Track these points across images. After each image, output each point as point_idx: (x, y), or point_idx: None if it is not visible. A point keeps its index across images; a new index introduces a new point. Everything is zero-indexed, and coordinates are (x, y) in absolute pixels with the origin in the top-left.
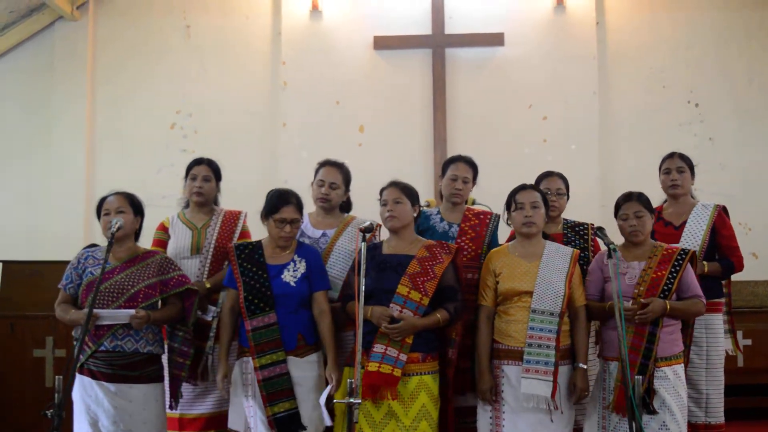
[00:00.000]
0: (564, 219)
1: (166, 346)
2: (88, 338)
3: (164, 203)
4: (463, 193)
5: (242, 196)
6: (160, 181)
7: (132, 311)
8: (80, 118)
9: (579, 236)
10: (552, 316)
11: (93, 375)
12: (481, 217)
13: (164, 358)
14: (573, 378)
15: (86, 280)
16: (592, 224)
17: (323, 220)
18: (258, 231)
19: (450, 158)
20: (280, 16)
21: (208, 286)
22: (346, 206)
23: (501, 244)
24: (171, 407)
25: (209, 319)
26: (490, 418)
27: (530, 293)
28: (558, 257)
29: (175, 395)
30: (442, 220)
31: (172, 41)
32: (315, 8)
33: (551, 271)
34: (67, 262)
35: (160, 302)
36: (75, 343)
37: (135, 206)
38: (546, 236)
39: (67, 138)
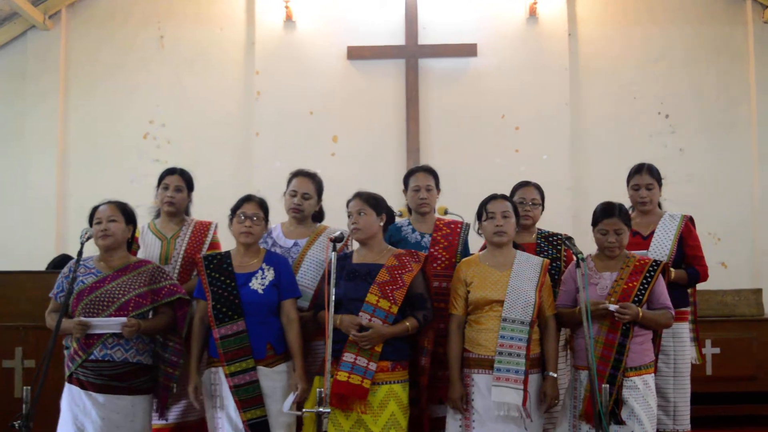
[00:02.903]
0: (538, 229)
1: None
2: (78, 347)
3: (137, 213)
4: (429, 201)
5: (215, 206)
6: (132, 192)
7: (123, 319)
8: (52, 127)
9: (552, 246)
10: (522, 325)
11: (82, 385)
12: (452, 226)
13: None
14: (543, 386)
15: (77, 289)
16: (566, 234)
17: (295, 229)
18: (229, 242)
19: (409, 171)
20: (254, 26)
21: None
22: (318, 216)
23: (472, 253)
24: (161, 418)
25: None
26: (460, 427)
27: (501, 302)
28: (528, 267)
29: (165, 406)
30: (414, 230)
31: (146, 51)
32: (289, 18)
33: (522, 281)
34: (38, 273)
35: (151, 312)
36: (65, 351)
37: (127, 215)
38: (516, 245)
39: (39, 147)
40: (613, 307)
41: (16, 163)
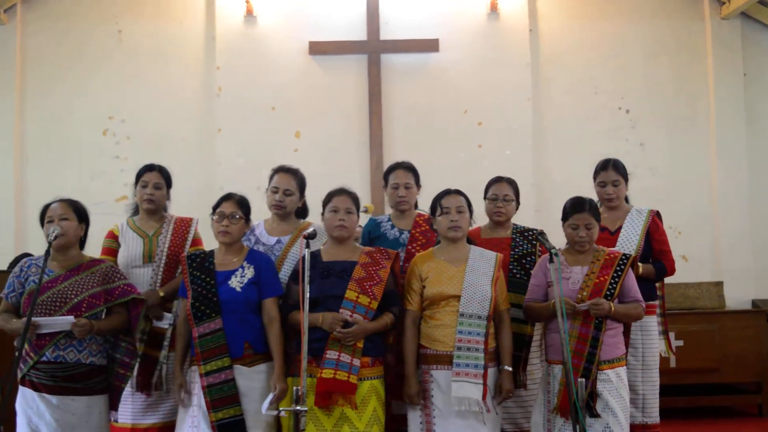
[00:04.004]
0: (513, 224)
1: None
2: (30, 348)
3: (98, 210)
4: (408, 199)
5: (179, 203)
6: (93, 188)
7: (72, 318)
8: (9, 124)
9: (527, 241)
10: (480, 320)
11: (35, 387)
12: (431, 222)
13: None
14: (499, 380)
15: (28, 289)
16: (541, 230)
17: (278, 226)
18: (209, 238)
19: (389, 167)
20: (214, 21)
21: (161, 294)
22: (301, 212)
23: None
24: (113, 418)
25: (165, 327)
26: (421, 423)
27: (458, 297)
28: (483, 261)
29: (116, 406)
30: (393, 227)
31: (104, 46)
32: (249, 13)
33: (477, 275)
34: None
35: (104, 312)
36: (16, 353)
37: (79, 213)
38: (469, 240)
39: None
40: (584, 306)
41: None
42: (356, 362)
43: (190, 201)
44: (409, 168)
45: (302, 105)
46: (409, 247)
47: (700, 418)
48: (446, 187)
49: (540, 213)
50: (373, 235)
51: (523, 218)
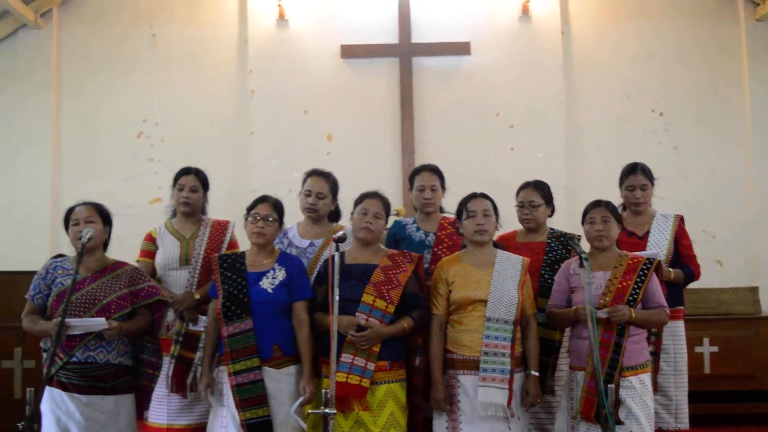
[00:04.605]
0: (551, 228)
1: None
2: (60, 349)
3: (131, 212)
4: (433, 201)
5: (212, 205)
6: (126, 191)
7: (104, 320)
8: (45, 127)
9: (563, 246)
10: (506, 324)
11: (64, 387)
12: (456, 225)
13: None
14: (526, 385)
15: (56, 291)
16: (579, 235)
17: (311, 230)
18: (246, 241)
19: (414, 169)
20: (246, 24)
21: (197, 297)
22: (334, 216)
23: None
24: (142, 417)
25: (200, 329)
26: (447, 428)
27: (484, 302)
28: (509, 266)
29: (146, 405)
30: (418, 229)
31: (139, 50)
32: (282, 17)
33: (504, 280)
34: (33, 273)
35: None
36: (44, 354)
37: (103, 216)
38: (497, 244)
39: (32, 147)
40: (602, 314)
41: (9, 164)
42: (370, 366)
43: (223, 203)
44: (435, 170)
45: (334, 108)
46: (435, 249)
47: (734, 426)
48: (477, 191)
49: (573, 216)
50: (398, 237)
51: (555, 221)
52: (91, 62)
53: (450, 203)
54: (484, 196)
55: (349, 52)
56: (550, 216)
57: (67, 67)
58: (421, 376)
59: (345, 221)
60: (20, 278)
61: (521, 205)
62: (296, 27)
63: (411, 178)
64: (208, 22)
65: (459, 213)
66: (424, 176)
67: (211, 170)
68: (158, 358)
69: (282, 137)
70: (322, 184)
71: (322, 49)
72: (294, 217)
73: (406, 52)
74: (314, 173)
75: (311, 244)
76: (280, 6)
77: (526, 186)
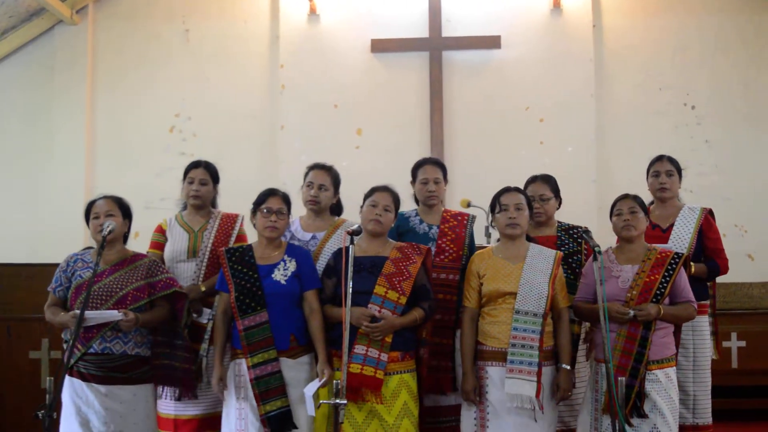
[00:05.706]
0: (558, 222)
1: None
2: (78, 341)
3: (163, 206)
4: (437, 194)
5: (241, 199)
6: (159, 185)
7: (118, 312)
8: (80, 121)
9: (572, 239)
10: (535, 317)
11: (83, 377)
12: (459, 218)
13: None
14: (557, 378)
15: (75, 283)
16: (585, 227)
17: (313, 222)
18: (255, 235)
19: (417, 162)
20: (278, 19)
21: (203, 289)
22: (336, 209)
23: (480, 245)
24: (178, 399)
25: (204, 322)
26: (475, 419)
27: (514, 294)
28: (541, 259)
29: (195, 396)
30: (421, 222)
31: (172, 45)
32: (313, 12)
33: (535, 273)
34: None
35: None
36: (64, 345)
37: (123, 209)
38: (529, 239)
39: (67, 141)
40: (629, 316)
41: (44, 157)
42: (384, 357)
43: (252, 197)
44: (438, 163)
45: (364, 102)
46: (440, 242)
47: (763, 420)
48: (507, 185)
49: (602, 210)
50: (401, 229)
51: (585, 215)
52: (125, 58)
53: (479, 198)
54: (517, 189)
55: (380, 46)
56: (557, 209)
57: (101, 63)
58: (425, 367)
59: (348, 215)
60: (51, 270)
61: (531, 199)
62: (327, 22)
63: (414, 171)
64: (240, 17)
65: (492, 206)
66: (427, 169)
67: (242, 164)
68: (190, 352)
69: (312, 131)
70: (324, 177)
71: (353, 43)
72: (302, 211)
73: (436, 46)
74: (316, 166)
75: (313, 237)
76: (311, 1)
77: (534, 180)
